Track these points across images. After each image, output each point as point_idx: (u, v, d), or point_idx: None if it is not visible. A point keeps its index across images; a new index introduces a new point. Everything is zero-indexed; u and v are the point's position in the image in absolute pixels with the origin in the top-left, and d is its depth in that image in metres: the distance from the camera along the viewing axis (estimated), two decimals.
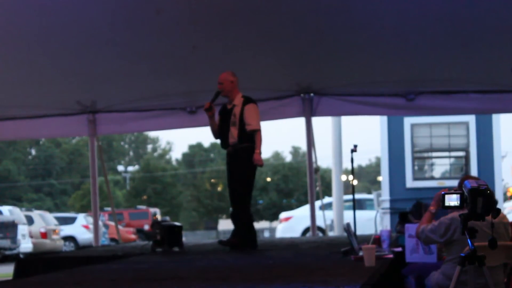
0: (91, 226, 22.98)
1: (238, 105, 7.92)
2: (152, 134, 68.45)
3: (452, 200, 4.27)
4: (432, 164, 15.72)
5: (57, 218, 26.55)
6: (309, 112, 10.67)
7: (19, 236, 20.79)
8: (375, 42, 9.02)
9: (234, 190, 7.94)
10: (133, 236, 29.84)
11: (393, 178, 15.03)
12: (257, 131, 7.82)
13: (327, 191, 27.18)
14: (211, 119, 8.01)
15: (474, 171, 14.44)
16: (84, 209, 42.17)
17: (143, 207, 39.95)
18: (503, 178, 18.02)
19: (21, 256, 19.22)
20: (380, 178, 18.30)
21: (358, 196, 22.73)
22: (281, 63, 9.70)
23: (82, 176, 57.01)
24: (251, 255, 7.37)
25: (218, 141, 8.24)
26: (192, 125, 11.11)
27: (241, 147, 7.83)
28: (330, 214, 17.63)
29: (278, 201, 54.15)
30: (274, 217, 50.62)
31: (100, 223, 18.34)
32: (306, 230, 19.65)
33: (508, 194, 34.55)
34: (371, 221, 15.03)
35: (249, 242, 7.94)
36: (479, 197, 4.11)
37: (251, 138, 7.84)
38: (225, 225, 50.40)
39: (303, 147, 27.24)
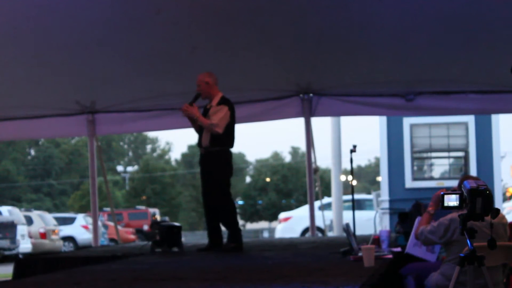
0: (90, 227, 22.99)
1: (214, 106, 7.88)
2: (151, 134, 68.55)
3: (452, 200, 4.27)
4: (431, 165, 15.72)
5: (56, 219, 26.55)
6: (308, 113, 10.67)
7: (18, 237, 20.80)
8: (374, 42, 9.02)
9: (209, 194, 7.84)
10: (132, 237, 29.84)
11: (392, 179, 15.03)
12: (214, 126, 7.67)
13: (327, 192, 27.18)
14: (191, 120, 7.94)
15: (473, 172, 14.45)
16: (83, 209, 42.16)
17: (142, 207, 39.96)
18: (502, 178, 18.03)
19: (20, 256, 19.20)
20: (379, 179, 18.30)
21: (357, 196, 22.75)
22: (280, 63, 9.69)
23: (81, 176, 57.03)
24: (251, 256, 7.38)
25: None
26: (191, 126, 11.09)
27: (212, 150, 7.77)
28: (329, 215, 17.64)
29: (277, 201, 54.17)
30: (273, 217, 50.65)
31: (99, 223, 18.32)
32: (305, 231, 19.65)
33: (508, 195, 34.58)
34: (370, 222, 15.02)
35: (220, 244, 7.92)
36: (478, 198, 4.11)
37: (223, 142, 7.78)
38: None
39: (302, 147, 27.28)
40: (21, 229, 21.33)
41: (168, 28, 8.56)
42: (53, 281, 5.56)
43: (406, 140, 15.01)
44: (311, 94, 10.60)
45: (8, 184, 54.57)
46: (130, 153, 71.39)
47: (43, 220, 23.84)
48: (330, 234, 17.10)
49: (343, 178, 19.50)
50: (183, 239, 8.51)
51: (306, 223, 15.18)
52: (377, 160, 53.02)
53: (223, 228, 8.02)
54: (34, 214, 24.34)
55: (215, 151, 7.78)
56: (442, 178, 15.46)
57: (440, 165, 15.92)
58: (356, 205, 12.93)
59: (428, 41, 8.90)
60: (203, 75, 7.92)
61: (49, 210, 42.25)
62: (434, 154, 15.57)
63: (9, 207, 23.45)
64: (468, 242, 4.16)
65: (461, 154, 15.23)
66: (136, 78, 9.99)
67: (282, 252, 7.74)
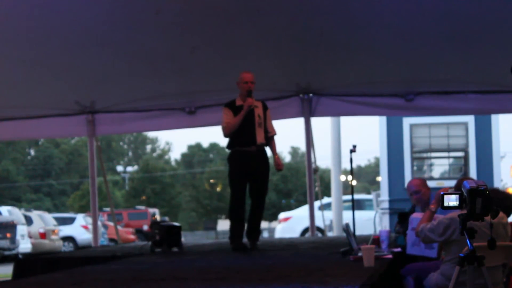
0: (90, 227, 22.99)
1: (259, 106, 7.96)
2: (151, 134, 68.56)
3: (451, 200, 4.27)
4: (431, 165, 15.73)
5: (56, 219, 26.53)
6: (308, 113, 10.67)
7: (18, 237, 20.79)
8: (374, 42, 9.02)
9: (262, 192, 8.25)
10: (132, 237, 29.83)
11: (392, 179, 15.04)
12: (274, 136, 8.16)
13: (326, 192, 27.18)
14: (243, 116, 7.80)
15: (473, 172, 14.46)
16: (83, 209, 42.15)
17: (142, 207, 39.93)
18: (502, 178, 18.04)
19: (20, 256, 19.22)
20: (379, 179, 18.32)
21: (357, 196, 22.75)
22: (280, 64, 9.70)
23: (81, 177, 57.03)
24: (250, 256, 7.38)
25: (219, 141, 8.29)
26: (191, 126, 11.10)
27: (264, 148, 8.04)
28: (329, 215, 17.64)
29: (277, 201, 54.15)
30: (273, 217, 50.62)
31: (99, 223, 18.34)
32: (305, 231, 19.65)
33: None
34: (370, 222, 15.04)
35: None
36: (478, 198, 4.11)
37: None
38: (225, 225, 50.40)
39: (302, 147, 27.32)
40: (21, 229, 21.31)
41: (168, 28, 8.56)
42: (53, 281, 5.56)
43: (406, 140, 15.02)
44: (311, 94, 10.61)
45: (8, 184, 54.56)
46: (130, 153, 71.39)
47: (43, 220, 23.82)
48: (330, 234, 17.10)
49: (343, 178, 19.50)
50: (183, 239, 8.52)
51: (306, 223, 15.18)
52: (377, 160, 53.01)
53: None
54: (34, 214, 24.32)
55: (264, 149, 8.05)
56: (442, 178, 15.48)
57: (440, 165, 15.93)
58: (356, 205, 12.95)
59: (427, 41, 8.90)
60: (252, 73, 7.95)
61: (49, 210, 42.22)
62: (434, 154, 15.59)
63: (9, 207, 23.43)
64: (468, 242, 4.16)
65: (461, 154, 15.24)
66: (136, 78, 9.99)
67: (282, 252, 7.74)
